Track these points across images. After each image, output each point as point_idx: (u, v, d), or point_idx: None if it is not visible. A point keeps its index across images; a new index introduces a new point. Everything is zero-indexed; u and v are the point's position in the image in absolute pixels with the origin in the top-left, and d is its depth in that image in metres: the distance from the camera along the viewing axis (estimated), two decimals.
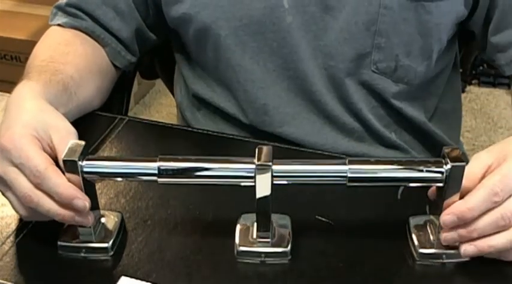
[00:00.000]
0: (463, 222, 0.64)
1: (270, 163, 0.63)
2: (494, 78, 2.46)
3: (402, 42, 0.86)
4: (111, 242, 0.68)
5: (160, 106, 2.34)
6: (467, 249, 0.65)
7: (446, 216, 0.64)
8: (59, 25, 0.91)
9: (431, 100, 0.97)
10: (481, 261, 0.66)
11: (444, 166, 0.63)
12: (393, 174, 0.64)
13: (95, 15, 0.90)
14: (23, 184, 0.64)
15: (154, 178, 0.64)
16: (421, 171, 0.64)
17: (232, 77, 0.90)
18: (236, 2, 0.85)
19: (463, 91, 2.35)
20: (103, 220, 0.70)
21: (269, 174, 0.63)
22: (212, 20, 0.87)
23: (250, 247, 0.67)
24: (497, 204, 0.63)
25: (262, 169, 0.63)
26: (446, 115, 1.01)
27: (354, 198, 0.75)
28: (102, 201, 0.73)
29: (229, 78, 0.91)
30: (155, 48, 1.14)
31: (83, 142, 0.65)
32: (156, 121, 0.90)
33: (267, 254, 0.67)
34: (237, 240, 0.68)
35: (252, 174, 0.63)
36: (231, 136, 0.87)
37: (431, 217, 0.69)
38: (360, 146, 0.91)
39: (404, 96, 0.91)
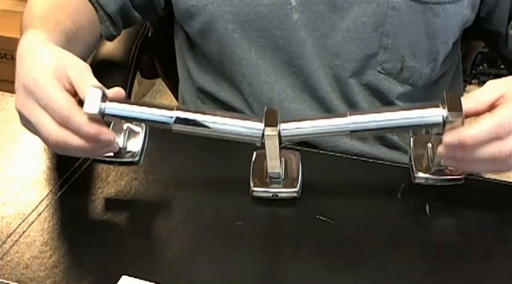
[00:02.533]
0: (463, 147, 0.65)
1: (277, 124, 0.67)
2: (494, 78, 2.45)
3: (409, 44, 0.86)
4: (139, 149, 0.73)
5: None
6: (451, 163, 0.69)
7: (448, 136, 0.65)
8: None
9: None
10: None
11: (442, 111, 0.65)
12: (392, 121, 0.67)
13: None
14: (49, 125, 0.67)
15: (169, 126, 0.69)
16: (420, 117, 0.66)
17: (238, 71, 0.91)
18: None
19: (463, 90, 2.35)
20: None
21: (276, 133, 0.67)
22: (220, 14, 0.87)
23: (263, 187, 0.72)
24: (499, 136, 0.64)
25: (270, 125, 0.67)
26: None
27: (354, 197, 0.76)
28: (102, 200, 0.74)
29: (235, 72, 0.91)
30: (155, 48, 1.14)
31: (100, 91, 0.67)
32: None
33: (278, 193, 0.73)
34: (251, 183, 0.73)
35: (260, 131, 0.67)
36: None
37: (432, 142, 0.72)
38: (362, 145, 0.91)
39: (408, 98, 0.91)
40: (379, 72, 0.88)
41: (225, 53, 0.90)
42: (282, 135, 0.68)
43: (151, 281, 0.64)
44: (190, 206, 0.74)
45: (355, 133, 0.67)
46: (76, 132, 0.67)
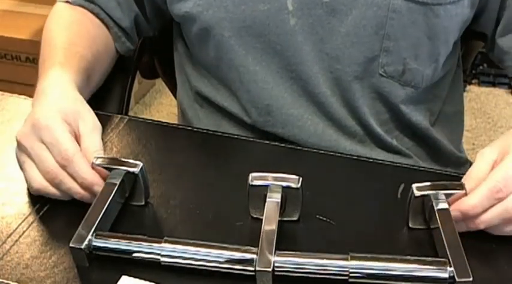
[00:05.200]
0: (468, 217, 0.67)
1: (270, 269, 0.63)
2: (494, 78, 2.46)
3: (410, 46, 0.86)
4: None
5: (160, 105, 2.34)
6: (465, 230, 0.68)
7: (453, 212, 0.67)
8: (67, 2, 0.94)
9: (437, 104, 0.98)
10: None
11: (448, 268, 0.62)
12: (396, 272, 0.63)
13: (98, 2, 0.93)
14: (50, 161, 0.70)
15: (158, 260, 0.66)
16: (425, 272, 0.63)
17: (235, 77, 0.90)
18: (240, 3, 0.85)
19: (463, 90, 2.35)
20: None
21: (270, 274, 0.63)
22: (215, 21, 0.87)
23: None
24: (500, 198, 0.66)
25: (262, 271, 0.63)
26: (449, 119, 1.01)
27: (354, 197, 0.76)
28: None
29: (232, 78, 0.91)
30: (155, 48, 1.14)
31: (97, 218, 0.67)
32: (156, 121, 0.90)
33: None
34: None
35: (252, 268, 0.64)
36: (232, 136, 0.87)
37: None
38: (362, 149, 0.91)
39: (411, 100, 0.91)
40: (381, 75, 0.87)
41: (223, 59, 0.90)
42: (275, 270, 0.63)
43: (151, 281, 0.64)
44: (190, 206, 0.74)
45: (353, 278, 0.63)
46: (74, 176, 0.70)
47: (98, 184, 0.70)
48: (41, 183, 0.71)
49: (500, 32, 0.89)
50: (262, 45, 0.87)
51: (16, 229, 0.71)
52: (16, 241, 0.69)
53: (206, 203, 0.74)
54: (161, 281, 0.64)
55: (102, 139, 0.84)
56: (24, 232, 0.70)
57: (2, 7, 2.06)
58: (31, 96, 0.91)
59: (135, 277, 0.64)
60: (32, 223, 0.71)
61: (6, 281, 0.65)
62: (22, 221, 0.71)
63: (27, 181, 0.73)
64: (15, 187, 0.76)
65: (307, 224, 0.71)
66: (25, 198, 0.75)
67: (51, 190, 0.71)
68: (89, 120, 0.75)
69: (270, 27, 0.86)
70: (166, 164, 0.80)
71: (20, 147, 0.73)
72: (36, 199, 0.74)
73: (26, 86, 1.93)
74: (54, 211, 0.73)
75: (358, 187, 0.78)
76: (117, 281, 0.64)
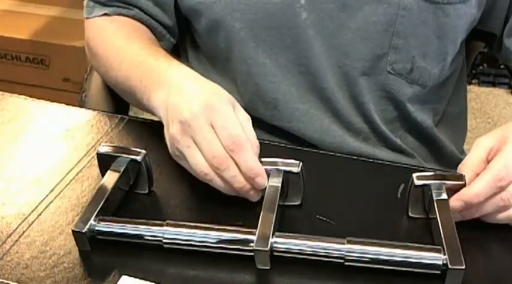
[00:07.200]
0: (470, 207, 0.68)
1: (267, 249, 0.64)
2: (494, 78, 2.46)
3: (419, 44, 0.86)
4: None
5: None
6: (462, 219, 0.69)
7: (455, 202, 0.68)
8: (105, 14, 0.92)
9: (441, 104, 0.98)
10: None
11: (442, 257, 0.63)
12: (390, 258, 0.65)
13: (139, 5, 0.92)
14: (218, 145, 0.68)
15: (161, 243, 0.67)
16: (419, 258, 0.64)
17: (243, 70, 0.90)
18: None
19: None
20: None
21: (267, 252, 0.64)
22: (227, 12, 0.87)
23: None
24: (503, 188, 0.67)
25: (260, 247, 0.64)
26: (453, 120, 1.01)
27: (354, 197, 0.76)
28: None
29: (240, 70, 0.91)
30: None
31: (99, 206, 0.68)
32: (156, 121, 0.90)
33: None
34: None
35: (251, 248, 0.65)
36: None
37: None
38: (366, 147, 0.91)
39: (417, 99, 0.91)
40: (389, 72, 0.88)
41: (233, 51, 0.90)
42: (273, 250, 0.65)
43: (151, 281, 0.64)
44: (191, 206, 0.74)
45: (349, 262, 0.65)
46: (240, 164, 0.68)
47: (262, 176, 0.69)
48: (207, 168, 0.69)
49: (507, 32, 0.90)
50: (273, 38, 0.87)
51: (16, 229, 0.71)
52: (16, 241, 0.69)
53: (207, 203, 0.74)
54: (161, 282, 0.64)
55: (102, 139, 0.84)
56: (24, 232, 0.70)
57: (2, 7, 2.06)
58: (31, 96, 0.91)
59: (135, 276, 0.64)
60: (32, 223, 0.71)
61: (6, 281, 0.65)
62: (22, 222, 0.71)
63: (191, 166, 0.70)
64: (15, 187, 0.76)
65: (307, 224, 0.71)
66: (25, 198, 0.75)
67: (215, 178, 0.69)
68: (242, 109, 0.73)
69: (282, 20, 0.86)
70: (166, 164, 0.80)
71: (186, 130, 0.70)
72: (36, 199, 0.74)
73: (26, 86, 1.93)
74: (55, 211, 0.73)
75: (358, 186, 0.78)
76: (117, 281, 0.64)
